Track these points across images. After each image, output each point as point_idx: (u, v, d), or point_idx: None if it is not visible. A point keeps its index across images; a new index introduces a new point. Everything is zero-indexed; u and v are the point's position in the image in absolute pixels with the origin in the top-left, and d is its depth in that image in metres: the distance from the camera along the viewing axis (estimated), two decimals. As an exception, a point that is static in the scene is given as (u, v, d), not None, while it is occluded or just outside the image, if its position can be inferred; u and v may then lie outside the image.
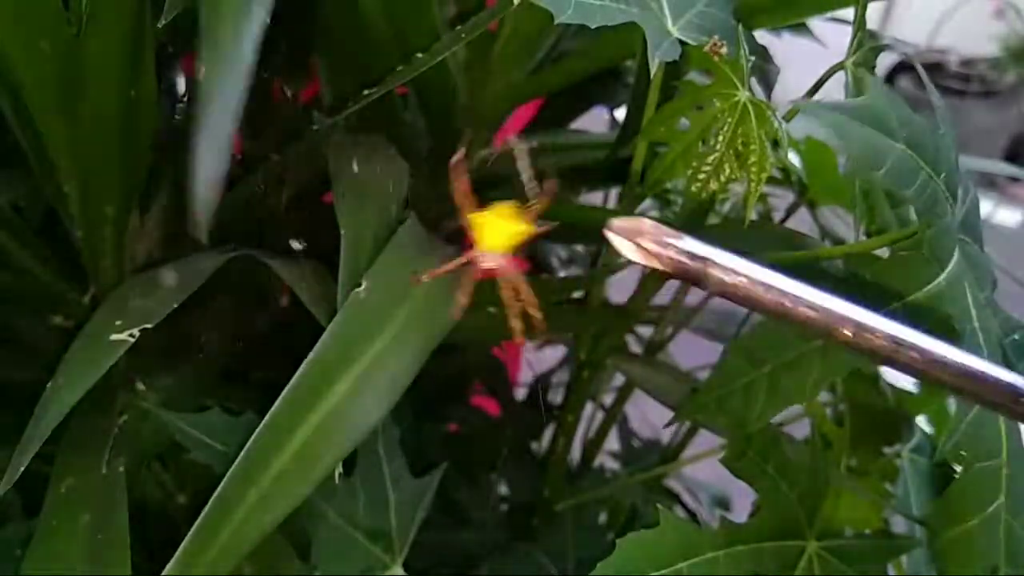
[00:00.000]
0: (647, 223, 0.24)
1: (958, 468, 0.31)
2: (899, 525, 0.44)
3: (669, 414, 0.37)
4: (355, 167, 0.36)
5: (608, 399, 0.64)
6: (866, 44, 0.34)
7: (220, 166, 0.23)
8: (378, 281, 0.31)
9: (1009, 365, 0.33)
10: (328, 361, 0.30)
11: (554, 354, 0.76)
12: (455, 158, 0.32)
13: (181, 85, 0.44)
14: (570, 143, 0.56)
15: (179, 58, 0.43)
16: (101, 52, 0.32)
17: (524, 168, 0.31)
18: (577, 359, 0.47)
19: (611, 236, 0.25)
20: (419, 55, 0.37)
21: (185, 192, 0.23)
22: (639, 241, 0.24)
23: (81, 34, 0.31)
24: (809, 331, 0.24)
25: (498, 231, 0.31)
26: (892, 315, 0.27)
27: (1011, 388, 0.24)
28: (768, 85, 0.50)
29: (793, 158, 0.53)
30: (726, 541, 0.34)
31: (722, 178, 0.34)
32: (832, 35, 0.52)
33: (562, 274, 0.69)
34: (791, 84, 0.42)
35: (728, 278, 0.24)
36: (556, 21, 0.30)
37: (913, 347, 0.24)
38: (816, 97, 0.34)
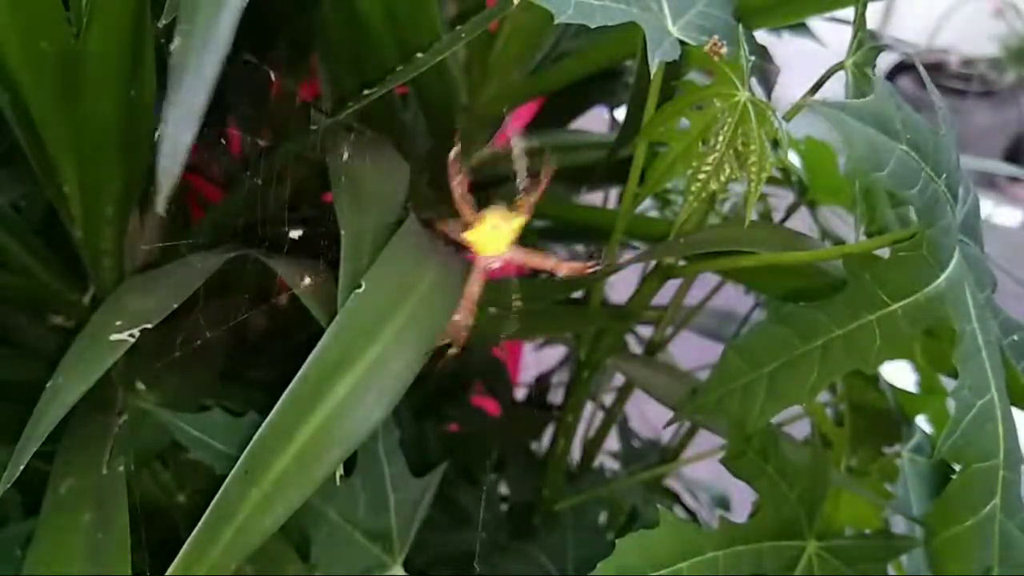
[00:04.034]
0: None
1: (957, 468, 0.31)
2: (899, 525, 0.44)
3: (669, 414, 0.38)
4: (355, 167, 0.36)
5: (608, 399, 0.64)
6: (866, 44, 0.34)
7: (187, 138, 0.22)
8: (378, 281, 0.31)
9: (1009, 365, 0.33)
10: (329, 361, 0.30)
11: (554, 354, 0.76)
12: (451, 155, 0.32)
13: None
14: (570, 143, 0.56)
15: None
16: (101, 52, 0.32)
17: (520, 165, 0.32)
18: (577, 359, 0.47)
19: None
20: (419, 55, 0.37)
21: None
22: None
23: (81, 34, 0.31)
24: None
25: (494, 236, 0.32)
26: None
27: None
28: (768, 85, 0.50)
29: (793, 158, 0.53)
30: (726, 541, 0.34)
31: (722, 178, 0.34)
32: (832, 35, 0.52)
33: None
34: (791, 84, 0.42)
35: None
36: (556, 21, 0.30)
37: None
38: (817, 97, 0.34)
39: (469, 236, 0.33)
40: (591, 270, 0.34)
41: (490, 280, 0.33)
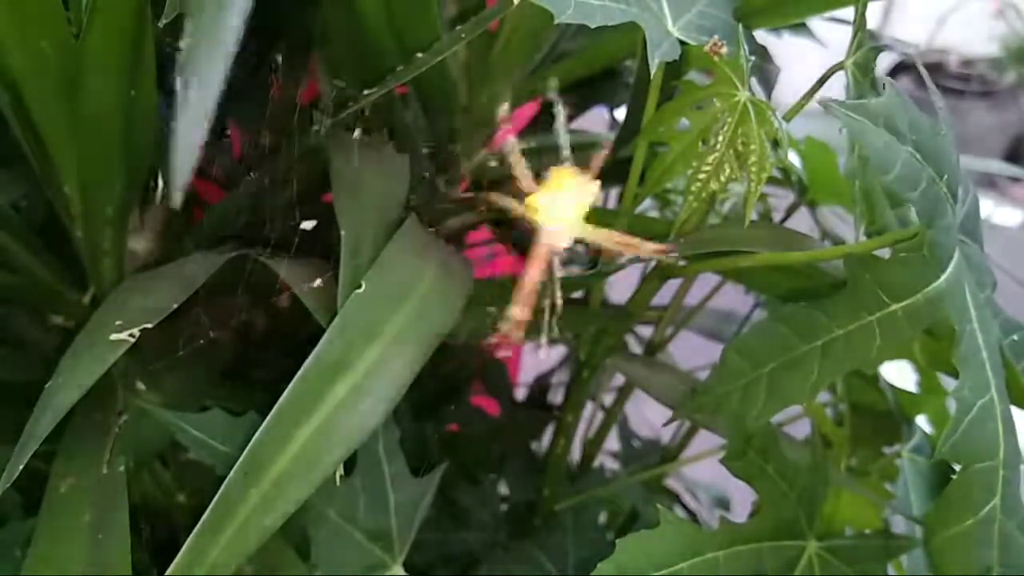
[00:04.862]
0: None
1: (957, 468, 0.31)
2: (899, 525, 0.44)
3: (669, 414, 0.37)
4: (355, 167, 0.36)
5: (608, 399, 0.64)
6: (866, 44, 0.34)
7: (197, 136, 0.23)
8: (378, 281, 0.31)
9: (1009, 365, 0.33)
10: (328, 362, 0.30)
11: (554, 354, 0.76)
12: (502, 112, 0.29)
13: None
14: (570, 143, 0.56)
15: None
16: (101, 52, 0.32)
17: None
18: (577, 359, 0.47)
19: None
20: (419, 55, 0.37)
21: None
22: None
23: (81, 34, 0.31)
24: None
25: (567, 202, 0.27)
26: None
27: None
28: (768, 85, 0.50)
29: (793, 158, 0.53)
30: (726, 541, 0.34)
31: (722, 178, 0.34)
32: (832, 35, 0.52)
33: (562, 274, 0.69)
34: (791, 84, 0.42)
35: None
36: (556, 21, 0.30)
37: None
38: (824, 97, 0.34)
39: (533, 202, 0.27)
40: (671, 252, 0.31)
41: (489, 279, 0.33)
